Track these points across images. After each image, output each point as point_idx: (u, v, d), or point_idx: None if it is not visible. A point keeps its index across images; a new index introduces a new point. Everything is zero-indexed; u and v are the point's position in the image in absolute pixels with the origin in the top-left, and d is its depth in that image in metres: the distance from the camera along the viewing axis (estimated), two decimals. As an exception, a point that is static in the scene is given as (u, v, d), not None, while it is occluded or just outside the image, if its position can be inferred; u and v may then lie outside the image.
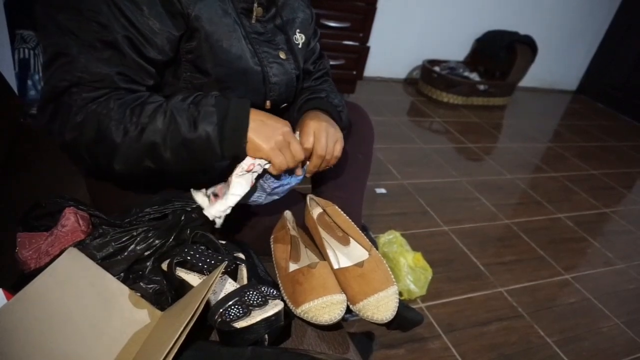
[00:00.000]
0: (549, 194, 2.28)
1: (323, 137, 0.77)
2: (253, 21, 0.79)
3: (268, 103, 0.83)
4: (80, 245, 0.67)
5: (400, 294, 1.39)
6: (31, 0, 1.93)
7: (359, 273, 0.68)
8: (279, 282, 0.73)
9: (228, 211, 0.72)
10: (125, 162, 0.68)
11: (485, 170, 2.40)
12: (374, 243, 1.39)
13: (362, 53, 2.65)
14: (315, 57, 0.99)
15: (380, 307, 0.66)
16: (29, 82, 1.88)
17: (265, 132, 0.69)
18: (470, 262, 1.66)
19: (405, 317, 0.70)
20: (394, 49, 3.20)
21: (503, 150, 2.72)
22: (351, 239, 0.78)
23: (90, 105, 0.65)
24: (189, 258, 0.67)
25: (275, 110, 0.87)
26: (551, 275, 1.70)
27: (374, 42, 2.74)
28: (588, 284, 1.69)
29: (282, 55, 0.84)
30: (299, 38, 0.89)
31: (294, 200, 0.92)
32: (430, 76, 3.17)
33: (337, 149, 0.79)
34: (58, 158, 1.07)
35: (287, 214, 0.83)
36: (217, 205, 0.72)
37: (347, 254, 0.77)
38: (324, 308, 0.65)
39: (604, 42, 3.92)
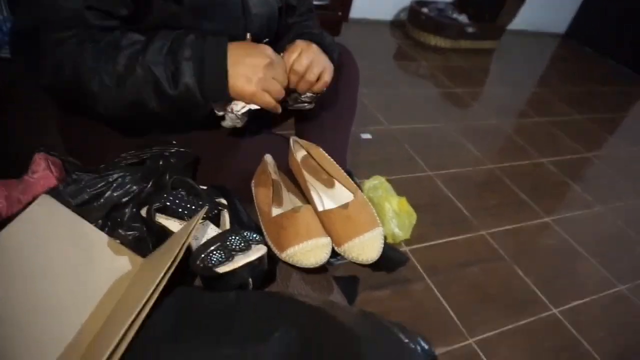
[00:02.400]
0: (534, 139, 2.28)
1: (305, 58, 0.74)
2: None
3: (248, 36, 0.78)
4: (53, 192, 0.65)
5: (385, 237, 1.40)
6: None
7: (344, 215, 0.67)
8: (262, 227, 0.71)
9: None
10: (107, 108, 0.66)
11: (471, 115, 2.38)
12: (359, 188, 1.39)
13: (347, -8, 2.53)
14: None
15: (366, 248, 0.66)
16: (-7, 23, 1.76)
17: (244, 74, 0.66)
18: (454, 206, 1.68)
19: (390, 258, 0.71)
20: (380, -12, 3.07)
21: (490, 95, 2.69)
22: (336, 181, 0.76)
23: (62, 47, 0.61)
24: (168, 204, 0.65)
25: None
26: (532, 218, 1.73)
27: (359, -20, 2.61)
28: (567, 226, 1.73)
29: None
30: None
31: (277, 143, 0.89)
32: (418, 18, 3.06)
33: (326, 75, 0.77)
34: (29, 102, 1.02)
35: (268, 157, 0.81)
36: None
37: (331, 197, 0.76)
38: (310, 252, 0.65)
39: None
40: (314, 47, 0.76)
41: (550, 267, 1.52)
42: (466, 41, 3.15)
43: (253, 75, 0.66)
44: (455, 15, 3.16)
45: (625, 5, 3.58)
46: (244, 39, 0.78)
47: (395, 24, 3.29)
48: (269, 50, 0.69)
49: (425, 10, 3.07)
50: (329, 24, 2.58)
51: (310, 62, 0.74)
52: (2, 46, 1.71)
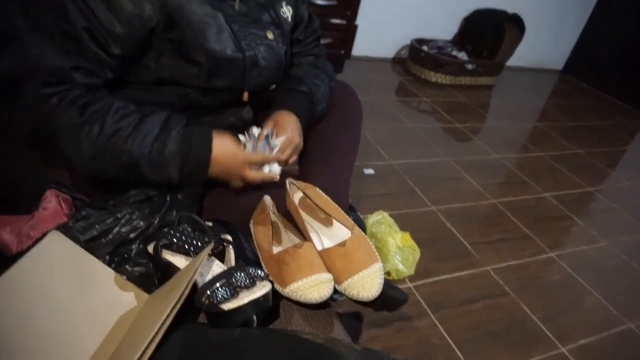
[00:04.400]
0: (535, 173, 2.30)
1: (290, 148, 0.83)
2: (236, 4, 0.76)
3: (246, 95, 0.82)
4: (63, 228, 0.66)
5: (389, 273, 1.40)
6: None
7: (342, 252, 0.68)
8: (263, 264, 0.72)
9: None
10: (84, 169, 0.70)
11: (472, 149, 2.41)
12: (362, 223, 1.39)
13: (349, 31, 2.61)
14: (305, 24, 0.96)
15: (365, 284, 0.66)
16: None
17: (224, 176, 0.77)
18: (457, 241, 1.68)
19: (390, 296, 0.71)
20: (382, 27, 3.16)
21: (490, 129, 2.73)
22: (334, 219, 0.77)
23: (45, 104, 0.63)
24: (175, 240, 0.66)
25: (264, 93, 0.86)
26: (536, 253, 1.73)
27: (361, 20, 2.70)
28: (572, 261, 1.72)
29: (270, 35, 0.81)
30: (287, 11, 0.86)
31: (275, 184, 0.90)
32: (418, 55, 3.15)
33: (294, 158, 0.87)
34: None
35: (267, 199, 0.82)
36: None
37: (330, 236, 0.76)
38: (313, 287, 0.65)
39: (589, 22, 3.92)
40: (296, 133, 0.84)
41: (556, 303, 1.51)
42: (466, 77, 3.22)
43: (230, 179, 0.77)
44: (454, 53, 3.25)
45: (620, 41, 3.67)
46: (253, 89, 0.82)
47: (396, 61, 3.37)
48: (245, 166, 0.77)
49: (425, 48, 3.16)
50: (332, 60, 2.65)
51: (291, 151, 0.84)
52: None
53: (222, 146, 0.73)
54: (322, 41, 2.69)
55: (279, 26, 0.83)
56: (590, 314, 1.50)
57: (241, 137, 0.81)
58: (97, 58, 0.65)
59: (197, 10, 0.69)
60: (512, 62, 3.51)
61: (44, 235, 0.65)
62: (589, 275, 1.67)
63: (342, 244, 0.69)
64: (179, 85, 0.74)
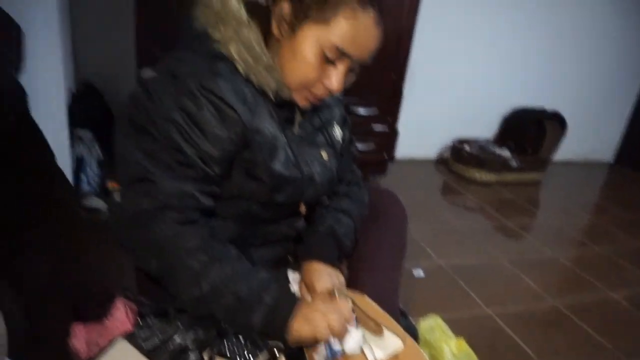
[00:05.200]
0: (597, 271, 2.16)
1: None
2: (295, 129, 0.86)
3: (303, 207, 0.90)
4: (129, 337, 0.71)
5: (445, 384, 1.31)
6: (90, 101, 2.18)
7: (396, 366, 0.67)
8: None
9: None
10: (181, 302, 0.75)
11: (525, 247, 2.33)
12: (414, 330, 1.35)
13: (391, 137, 2.75)
14: (345, 144, 1.04)
15: (422, 401, 0.64)
16: (83, 177, 2.04)
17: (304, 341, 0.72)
18: (519, 349, 1.56)
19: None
20: (422, 130, 3.30)
21: (541, 226, 2.65)
22: (385, 328, 0.77)
23: (183, 242, 0.71)
24: (228, 351, 0.69)
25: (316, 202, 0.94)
26: (610, 362, 1.57)
27: (402, 125, 2.84)
28: (653, 371, 1.55)
29: (324, 156, 0.90)
30: (338, 132, 0.96)
31: None
32: (460, 154, 3.22)
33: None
34: (106, 243, 1.14)
35: None
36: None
37: (381, 345, 0.76)
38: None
39: (636, 109, 3.88)
40: (320, 284, 0.84)
41: (641, 423, 1.33)
42: (511, 174, 3.22)
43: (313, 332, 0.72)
44: (496, 150, 3.29)
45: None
46: (307, 200, 0.90)
47: (439, 161, 3.45)
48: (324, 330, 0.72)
49: (466, 147, 3.23)
50: (375, 165, 2.76)
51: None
52: (87, 196, 1.96)
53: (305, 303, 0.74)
54: (366, 147, 2.83)
55: (331, 146, 0.92)
56: None
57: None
58: (209, 178, 0.75)
59: (267, 134, 0.79)
60: (558, 156, 3.50)
61: (110, 342, 0.69)
62: (677, 389, 1.48)
63: (395, 357, 0.68)
64: (244, 200, 0.82)
